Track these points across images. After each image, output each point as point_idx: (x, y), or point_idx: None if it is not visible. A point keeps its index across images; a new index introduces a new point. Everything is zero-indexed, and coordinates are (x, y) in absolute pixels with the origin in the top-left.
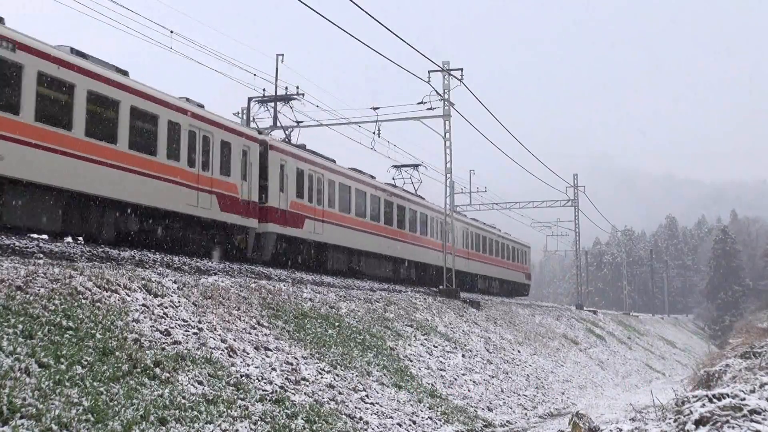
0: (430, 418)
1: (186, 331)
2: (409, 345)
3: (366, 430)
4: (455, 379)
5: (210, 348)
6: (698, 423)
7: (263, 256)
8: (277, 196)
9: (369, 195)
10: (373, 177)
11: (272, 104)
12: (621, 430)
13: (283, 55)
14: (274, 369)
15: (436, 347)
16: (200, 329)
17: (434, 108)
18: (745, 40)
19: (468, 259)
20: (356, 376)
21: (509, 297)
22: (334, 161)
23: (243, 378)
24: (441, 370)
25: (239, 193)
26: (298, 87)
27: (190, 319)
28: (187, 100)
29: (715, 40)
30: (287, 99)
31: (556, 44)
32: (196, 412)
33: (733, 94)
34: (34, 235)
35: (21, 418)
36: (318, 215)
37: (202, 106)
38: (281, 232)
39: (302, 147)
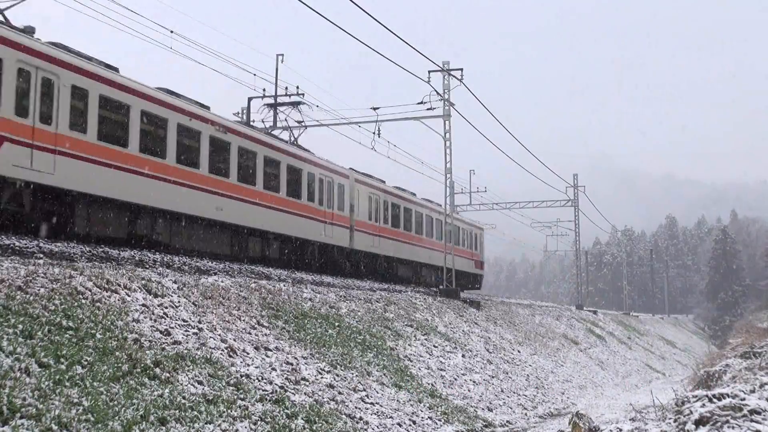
0: (430, 418)
1: (186, 331)
2: (409, 345)
3: (366, 430)
4: (455, 379)
5: (210, 348)
6: (698, 423)
7: None
8: None
9: (176, 125)
10: (205, 108)
11: (276, 107)
12: (621, 430)
13: (283, 55)
14: (274, 369)
15: (436, 347)
16: (200, 329)
17: (434, 108)
18: (745, 38)
19: (377, 236)
20: (356, 376)
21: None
22: (105, 65)
23: (243, 378)
24: (441, 370)
25: None
26: (298, 87)
27: (190, 319)
28: None
29: (715, 38)
30: (295, 103)
31: (556, 43)
32: (196, 412)
33: (734, 94)
34: (34, 235)
35: (21, 418)
36: (34, 139)
37: None
38: None
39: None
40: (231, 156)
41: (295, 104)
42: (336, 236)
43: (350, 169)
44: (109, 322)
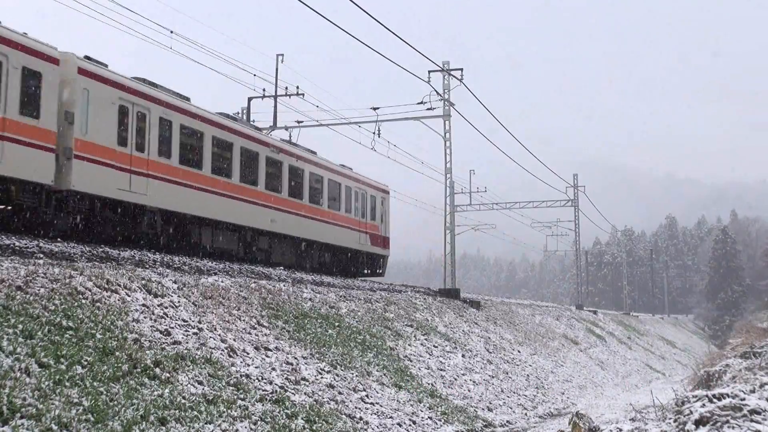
0: (430, 418)
1: (186, 331)
2: (409, 345)
3: (366, 430)
4: (455, 379)
5: (210, 348)
6: (698, 423)
7: None
8: None
9: None
10: None
11: (276, 105)
12: (621, 430)
13: (283, 55)
14: (274, 369)
15: (436, 347)
16: (200, 329)
17: (434, 108)
18: (744, 36)
19: (140, 175)
20: (356, 376)
21: (332, 275)
22: None
23: (243, 378)
24: (441, 370)
25: None
26: (298, 87)
27: (190, 319)
28: None
29: (715, 38)
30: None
31: (556, 42)
32: (196, 412)
33: (733, 93)
34: (34, 235)
35: (21, 418)
36: None
37: None
38: None
39: None
40: None
41: None
42: (14, 162)
43: (73, 55)
44: (109, 322)
